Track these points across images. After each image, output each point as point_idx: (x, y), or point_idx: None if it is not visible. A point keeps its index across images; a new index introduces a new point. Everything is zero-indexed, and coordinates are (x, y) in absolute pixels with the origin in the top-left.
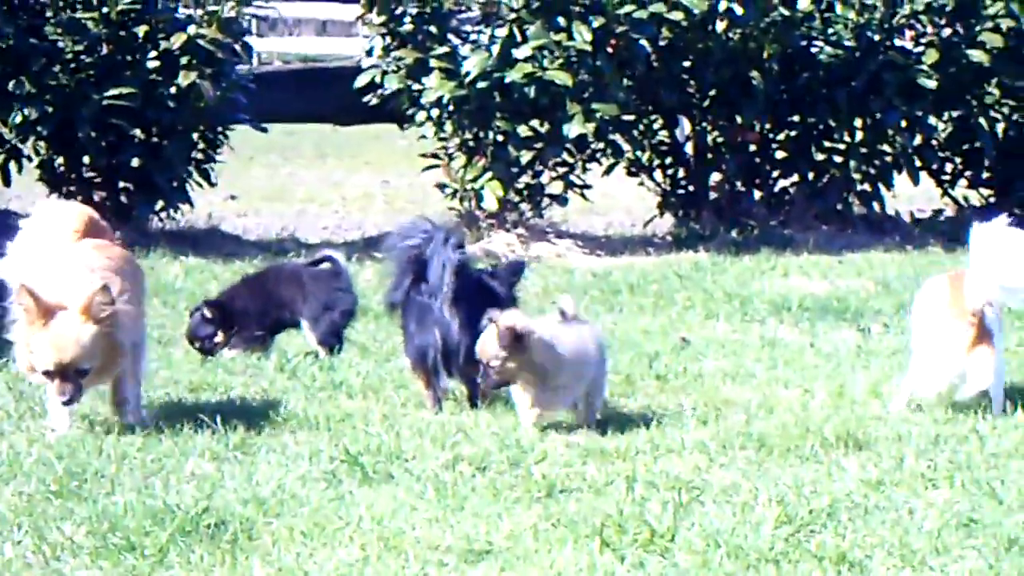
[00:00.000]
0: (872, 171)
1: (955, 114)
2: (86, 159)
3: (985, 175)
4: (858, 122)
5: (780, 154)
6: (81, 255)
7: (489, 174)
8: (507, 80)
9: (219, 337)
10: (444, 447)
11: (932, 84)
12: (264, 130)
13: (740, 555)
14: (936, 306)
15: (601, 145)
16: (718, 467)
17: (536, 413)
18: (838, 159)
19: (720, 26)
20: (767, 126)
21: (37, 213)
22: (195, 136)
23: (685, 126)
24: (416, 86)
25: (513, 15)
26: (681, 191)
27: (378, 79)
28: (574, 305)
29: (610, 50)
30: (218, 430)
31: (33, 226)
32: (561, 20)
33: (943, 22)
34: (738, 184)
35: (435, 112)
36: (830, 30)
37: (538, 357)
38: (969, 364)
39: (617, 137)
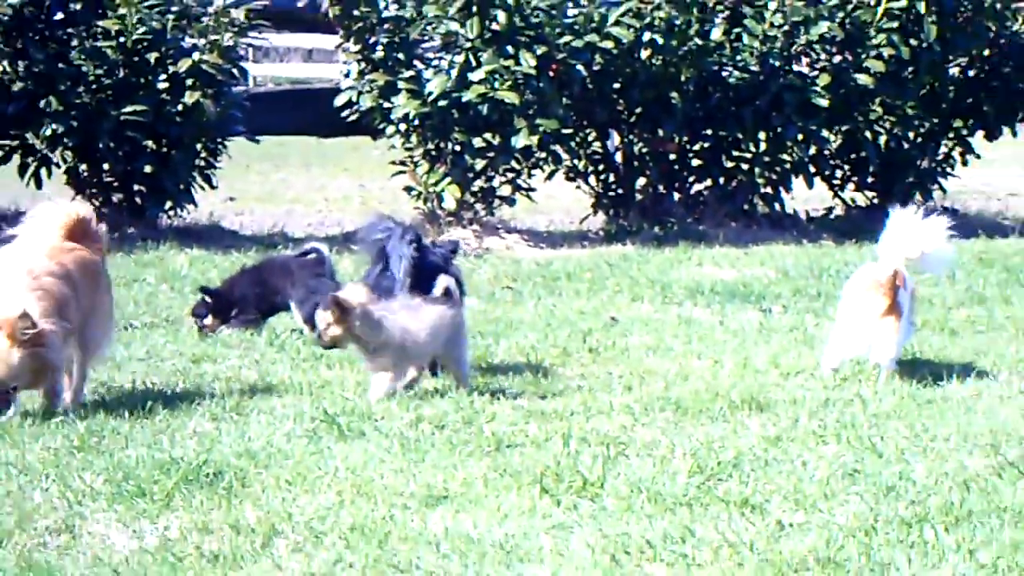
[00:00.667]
0: (774, 176)
1: (844, 128)
2: (106, 166)
3: (870, 180)
4: (762, 135)
5: (696, 162)
6: (28, 261)
7: (448, 179)
8: (464, 99)
9: (209, 320)
10: (408, 409)
11: (825, 103)
12: (257, 141)
13: (659, 500)
14: (857, 284)
15: (544, 154)
16: (641, 426)
17: (380, 379)
18: (745, 166)
19: (644, 53)
20: (685, 138)
21: (31, 214)
22: (199, 146)
23: (615, 138)
24: (387, 104)
25: (469, 44)
26: (612, 193)
27: (355, 98)
28: (448, 287)
29: (551, 74)
30: (216, 395)
31: (24, 226)
32: (510, 48)
33: (834, 50)
34: (660, 187)
35: (403, 126)
36: (738, 57)
37: (358, 329)
38: (876, 333)
39: (557, 148)
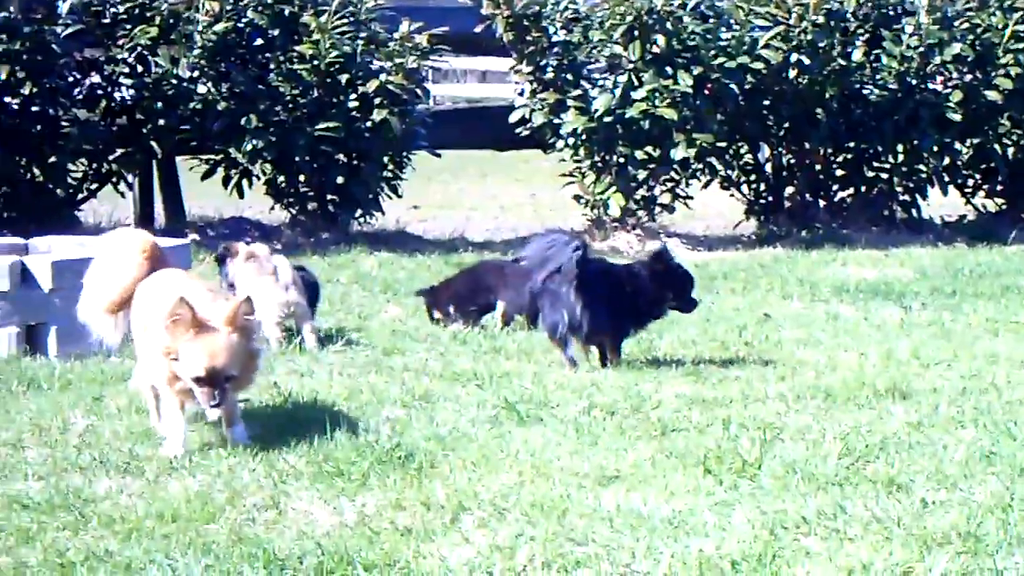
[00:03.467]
0: (911, 185)
1: (975, 141)
2: (301, 177)
3: (999, 188)
4: (900, 147)
5: (839, 172)
6: (189, 280)
7: (613, 188)
8: (627, 115)
9: (437, 314)
10: (581, 397)
11: (957, 117)
12: (438, 155)
13: (812, 480)
14: None
15: (700, 165)
16: (794, 412)
17: None
18: (884, 175)
19: (792, 73)
20: (829, 150)
21: (104, 243)
22: (386, 159)
23: (765, 150)
24: (556, 120)
25: (631, 65)
26: (762, 201)
27: (527, 115)
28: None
29: (707, 92)
30: (406, 384)
31: (103, 258)
32: (669, 69)
33: (965, 69)
34: (807, 195)
35: (571, 140)
36: (878, 76)
37: None
38: None
39: (713, 159)
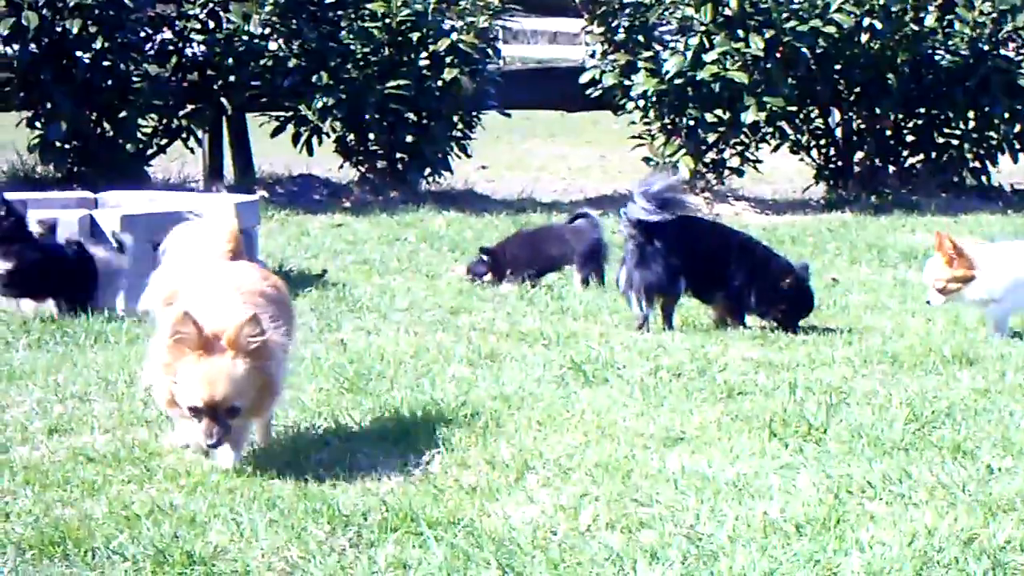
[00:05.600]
0: (981, 151)
1: None
2: (371, 136)
3: None
4: (971, 113)
5: (910, 138)
6: (232, 276)
7: (683, 151)
8: (698, 78)
9: (488, 276)
10: (648, 358)
11: None
12: (508, 115)
13: (878, 444)
14: None
15: (770, 129)
16: (860, 377)
17: None
18: (955, 142)
19: (864, 38)
20: (900, 115)
21: (185, 231)
22: (455, 119)
23: (836, 115)
24: (627, 82)
25: (703, 27)
26: (832, 165)
27: (598, 76)
28: None
29: (778, 55)
30: (473, 343)
31: (181, 245)
32: (740, 32)
33: None
34: (877, 160)
35: (641, 102)
36: (950, 42)
37: None
38: None
39: (783, 123)
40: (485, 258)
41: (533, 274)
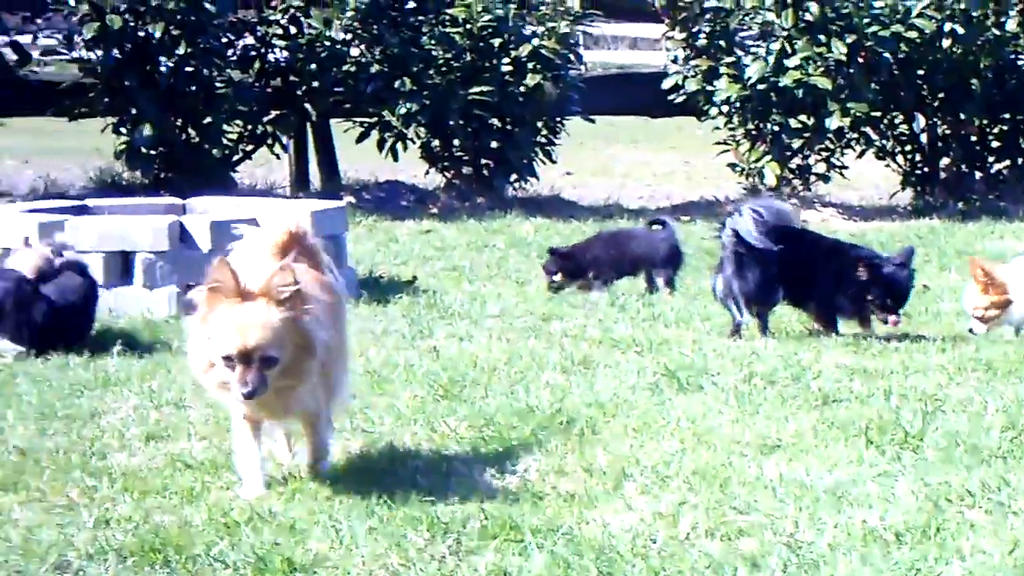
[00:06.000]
0: None
1: None
2: (456, 141)
3: None
4: None
5: (995, 143)
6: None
7: (768, 157)
8: (781, 84)
9: (558, 276)
10: (741, 366)
11: None
12: (592, 121)
13: (975, 452)
14: None
15: (855, 135)
16: (955, 384)
17: None
18: None
19: (946, 43)
20: (984, 121)
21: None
22: (539, 125)
23: (920, 120)
24: (710, 87)
25: (784, 32)
26: (918, 171)
27: (680, 82)
28: None
29: (861, 60)
30: (566, 350)
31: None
32: (822, 37)
33: None
34: (963, 166)
35: (725, 108)
36: None
37: None
38: None
39: (868, 129)
40: (557, 258)
41: (613, 277)
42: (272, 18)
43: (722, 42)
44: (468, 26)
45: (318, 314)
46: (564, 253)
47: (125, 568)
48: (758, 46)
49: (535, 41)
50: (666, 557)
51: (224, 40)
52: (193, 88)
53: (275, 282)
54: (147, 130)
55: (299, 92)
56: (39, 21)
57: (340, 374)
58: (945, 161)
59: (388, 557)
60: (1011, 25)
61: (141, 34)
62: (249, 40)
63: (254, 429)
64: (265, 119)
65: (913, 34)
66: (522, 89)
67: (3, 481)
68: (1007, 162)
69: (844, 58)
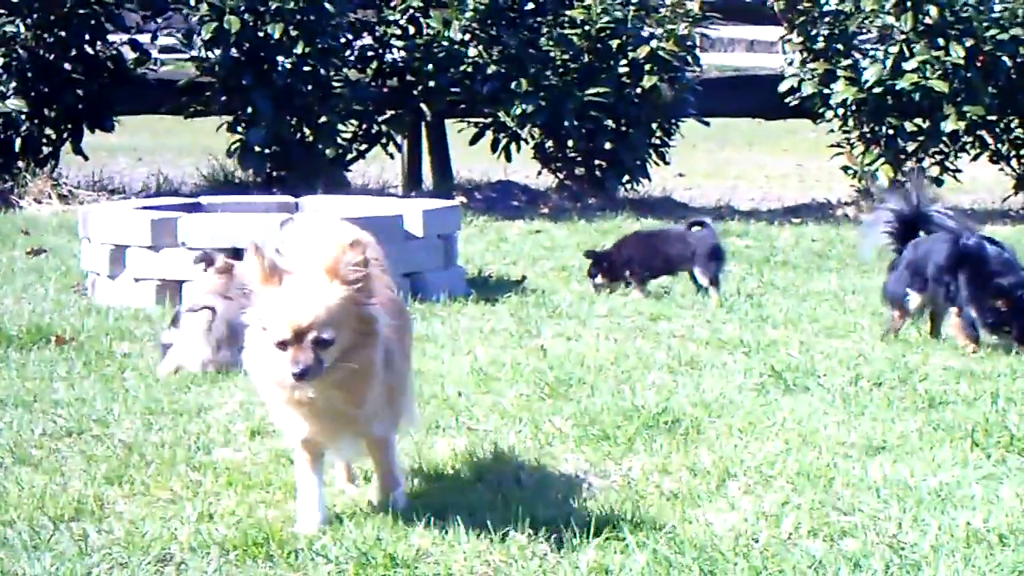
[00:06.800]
0: None
1: None
2: (570, 143)
3: None
4: None
5: None
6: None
7: (882, 159)
8: (897, 87)
9: (600, 279)
10: (848, 367)
11: None
12: (707, 123)
13: None
14: None
15: (970, 138)
16: None
17: None
18: None
19: None
20: None
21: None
22: (654, 126)
23: None
24: (826, 90)
25: (903, 36)
26: None
27: (796, 85)
28: None
29: (978, 64)
30: (673, 350)
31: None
32: (940, 40)
33: None
34: None
35: (840, 111)
36: None
37: None
38: None
39: (983, 132)
40: (594, 261)
41: (648, 276)
42: (391, 18)
43: (840, 45)
44: (586, 27)
45: (387, 305)
46: (600, 255)
47: (228, 562)
48: (876, 49)
49: (653, 43)
50: (768, 557)
51: (342, 40)
52: (309, 87)
53: (344, 258)
54: (262, 129)
55: (415, 92)
56: (158, 20)
57: (406, 400)
58: None
59: (490, 554)
60: None
61: (260, 34)
62: (367, 40)
63: (314, 460)
64: (380, 119)
65: None
66: (638, 90)
67: (108, 474)
68: None
69: (962, 61)
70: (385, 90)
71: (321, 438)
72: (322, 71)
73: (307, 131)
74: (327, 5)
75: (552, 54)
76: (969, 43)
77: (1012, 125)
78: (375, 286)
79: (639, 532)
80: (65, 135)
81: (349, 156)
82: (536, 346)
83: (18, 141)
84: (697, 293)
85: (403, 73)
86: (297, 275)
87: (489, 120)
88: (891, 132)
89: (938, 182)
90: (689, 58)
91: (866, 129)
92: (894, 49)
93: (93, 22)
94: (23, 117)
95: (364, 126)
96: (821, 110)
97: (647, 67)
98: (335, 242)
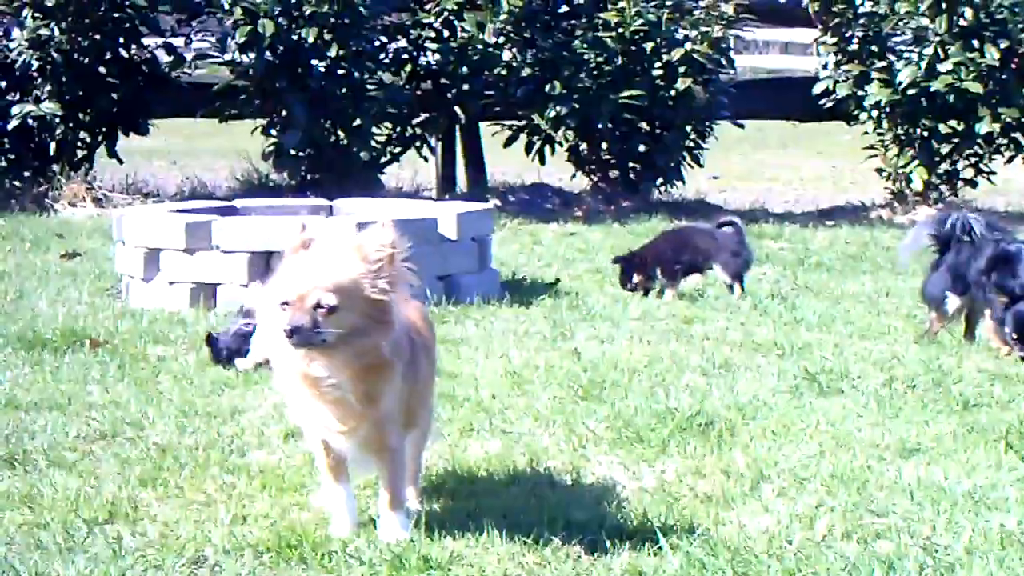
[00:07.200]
0: None
1: None
2: (604, 145)
3: None
4: None
5: None
6: None
7: (916, 162)
8: (932, 89)
9: (637, 279)
10: (882, 369)
11: None
12: (741, 126)
13: None
14: None
15: (1004, 140)
16: None
17: None
18: None
19: None
20: None
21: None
22: (688, 129)
23: None
24: (860, 92)
25: (937, 37)
26: None
27: (831, 87)
28: None
29: (1014, 66)
30: (706, 352)
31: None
32: (975, 42)
33: None
34: None
35: (875, 113)
36: None
37: None
38: None
39: (1018, 134)
40: (625, 262)
41: (679, 269)
42: (425, 21)
43: (874, 47)
44: (620, 30)
45: (407, 301)
46: (630, 257)
47: (261, 564)
48: (911, 51)
49: (687, 45)
50: (802, 559)
51: (376, 43)
52: (343, 90)
53: (370, 237)
54: (296, 132)
55: (449, 95)
56: (193, 24)
57: (424, 414)
58: None
59: (524, 556)
60: None
61: (294, 37)
62: (401, 43)
63: (336, 471)
64: (414, 121)
65: None
66: (672, 93)
67: (142, 477)
68: None
69: (997, 63)
70: (419, 93)
71: (335, 439)
72: (356, 74)
73: (341, 134)
74: (361, 8)
75: (586, 57)
76: (1004, 45)
77: None
78: (400, 286)
79: (672, 534)
80: (100, 138)
81: (383, 159)
82: (570, 349)
83: (53, 144)
84: (731, 294)
85: (437, 76)
86: (324, 247)
87: (523, 123)
88: (925, 134)
89: (972, 184)
90: (723, 60)
91: (900, 131)
92: (928, 51)
93: (128, 25)
94: (58, 120)
95: (398, 129)
96: (855, 112)
97: (681, 69)
98: (373, 227)
